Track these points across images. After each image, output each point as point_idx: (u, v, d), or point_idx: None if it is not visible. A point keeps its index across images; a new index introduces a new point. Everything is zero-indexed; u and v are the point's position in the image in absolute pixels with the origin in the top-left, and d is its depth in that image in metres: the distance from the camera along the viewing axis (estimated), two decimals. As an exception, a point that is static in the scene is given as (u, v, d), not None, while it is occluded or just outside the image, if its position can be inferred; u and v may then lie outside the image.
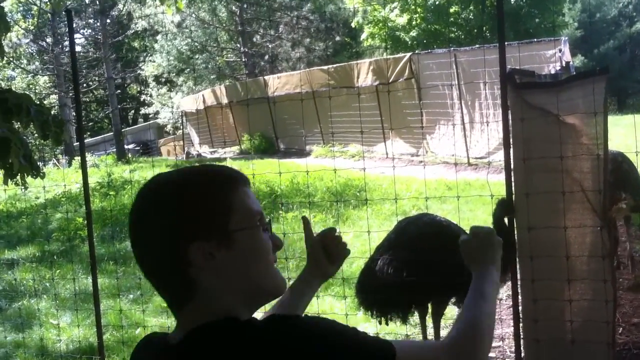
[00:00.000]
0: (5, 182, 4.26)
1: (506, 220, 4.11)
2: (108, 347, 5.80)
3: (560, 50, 13.59)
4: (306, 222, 2.04)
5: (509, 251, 4.62)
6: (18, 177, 4.22)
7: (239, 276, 1.38)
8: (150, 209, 1.39)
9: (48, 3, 28.12)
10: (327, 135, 20.08)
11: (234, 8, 33.08)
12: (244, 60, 33.12)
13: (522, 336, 4.08)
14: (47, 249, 10.07)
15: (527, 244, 3.97)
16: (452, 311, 6.16)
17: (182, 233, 1.34)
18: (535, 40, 16.84)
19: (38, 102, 4.51)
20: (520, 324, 4.08)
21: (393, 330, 5.55)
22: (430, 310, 4.87)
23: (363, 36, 30.87)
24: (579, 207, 3.90)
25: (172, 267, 1.36)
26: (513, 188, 4.04)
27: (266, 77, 24.65)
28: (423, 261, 4.39)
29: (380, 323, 4.84)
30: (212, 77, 34.88)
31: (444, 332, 5.72)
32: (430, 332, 5.06)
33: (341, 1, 32.45)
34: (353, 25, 30.90)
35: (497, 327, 5.82)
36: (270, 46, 34.17)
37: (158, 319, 6.47)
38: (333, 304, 6.78)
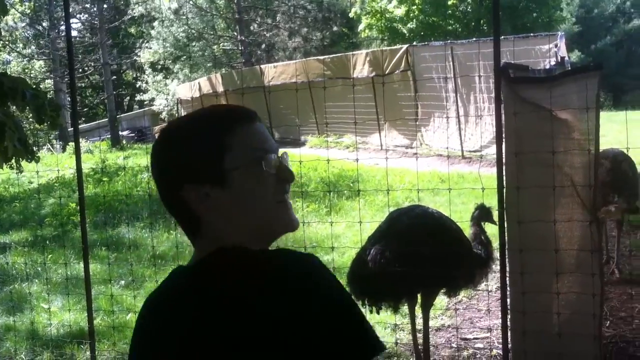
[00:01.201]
0: (0, 166, 4.27)
1: (496, 216, 4.16)
2: (99, 331, 5.83)
3: (556, 46, 13.61)
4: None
5: (485, 263, 4.71)
6: (13, 160, 4.22)
7: (239, 214, 1.40)
8: (153, 151, 1.45)
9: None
10: (322, 126, 20.07)
11: (231, -4, 32.95)
12: (240, 48, 33.02)
13: (509, 328, 4.12)
14: (40, 234, 10.07)
15: (516, 237, 4.01)
16: (441, 302, 6.21)
17: (174, 176, 1.41)
18: (531, 34, 16.84)
19: (34, 87, 4.51)
20: (508, 316, 4.12)
21: (383, 320, 5.60)
22: (419, 300, 4.91)
23: (360, 27, 30.81)
24: (569, 201, 3.94)
25: (175, 205, 1.43)
26: (504, 181, 4.07)
27: (262, 66, 24.60)
28: (414, 252, 4.43)
29: (371, 312, 4.88)
30: (208, 64, 34.76)
31: (432, 323, 5.77)
32: (420, 322, 5.09)
33: (339, -9, 32.39)
34: (351, 15, 30.86)
35: (485, 318, 5.88)
36: (267, 35, 34.08)
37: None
38: (324, 294, 6.80)
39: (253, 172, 1.39)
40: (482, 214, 4.85)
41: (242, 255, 1.40)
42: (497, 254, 5.12)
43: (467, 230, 4.90)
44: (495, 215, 4.37)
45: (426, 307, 4.88)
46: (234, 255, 1.40)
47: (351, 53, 19.75)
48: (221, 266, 1.39)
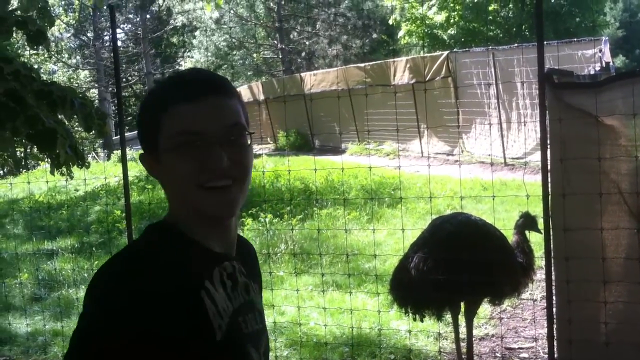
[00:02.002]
0: (52, 172, 4.38)
1: (541, 224, 4.12)
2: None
3: (600, 50, 13.38)
4: None
5: (526, 272, 4.67)
6: (64, 167, 4.33)
7: (170, 191, 1.46)
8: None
9: (90, -1, 28.60)
10: (362, 133, 20.04)
11: (272, 4, 33.22)
12: (280, 57, 33.25)
13: (555, 337, 4.07)
14: (86, 240, 10.28)
15: (562, 245, 3.96)
16: (485, 311, 6.16)
17: (141, 142, 1.48)
18: (575, 39, 16.59)
19: (81, 96, 4.62)
20: (555, 325, 4.07)
21: (426, 328, 5.57)
22: (462, 309, 4.88)
23: (400, 34, 30.71)
24: (615, 208, 3.88)
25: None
26: (549, 188, 4.02)
27: (302, 74, 24.70)
28: (457, 259, 4.41)
29: (414, 320, 4.86)
30: (249, 73, 35.09)
31: (476, 332, 5.72)
32: (463, 330, 5.06)
33: (379, -2, 32.35)
34: (390, 22, 30.78)
35: (530, 327, 5.80)
36: (307, 43, 34.24)
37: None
38: (365, 301, 6.81)
39: (175, 155, 1.38)
40: (526, 222, 4.81)
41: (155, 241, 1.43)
42: (539, 263, 5.06)
43: (511, 238, 4.85)
44: (541, 223, 4.33)
45: (469, 316, 4.85)
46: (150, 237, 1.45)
47: (391, 60, 19.69)
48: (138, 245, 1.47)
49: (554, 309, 4.07)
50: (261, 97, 25.79)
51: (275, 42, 34.16)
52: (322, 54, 34.11)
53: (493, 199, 4.92)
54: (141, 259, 1.36)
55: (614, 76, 4.52)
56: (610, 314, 3.88)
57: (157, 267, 1.33)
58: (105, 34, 34.89)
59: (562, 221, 3.93)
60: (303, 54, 34.60)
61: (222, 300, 1.39)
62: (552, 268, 4.05)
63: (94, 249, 9.60)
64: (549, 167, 4.04)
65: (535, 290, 6.41)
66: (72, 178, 4.65)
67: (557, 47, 13.09)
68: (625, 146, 3.90)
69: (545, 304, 4.49)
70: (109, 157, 23.84)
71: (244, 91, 27.58)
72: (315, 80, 22.34)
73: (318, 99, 20.33)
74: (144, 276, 1.30)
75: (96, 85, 33.81)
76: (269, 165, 15.17)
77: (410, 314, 4.80)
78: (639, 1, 45.55)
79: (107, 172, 16.08)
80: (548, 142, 4.05)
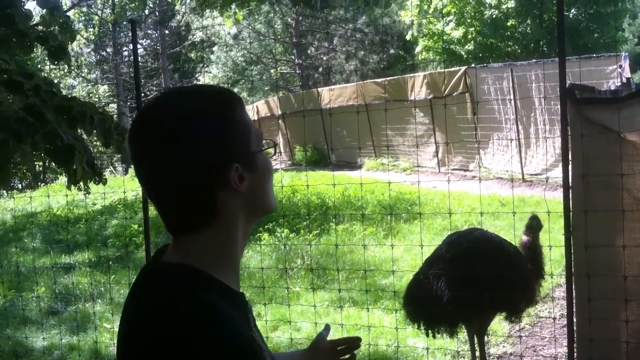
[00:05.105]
0: (69, 188, 4.40)
1: (560, 242, 4.06)
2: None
3: (620, 66, 13.30)
4: (327, 328, 2.09)
5: (537, 275, 4.64)
6: (81, 182, 4.34)
7: (256, 198, 1.38)
8: (177, 127, 1.30)
9: (111, 14, 28.86)
10: (379, 148, 20.00)
11: (289, 20, 33.40)
12: (298, 72, 33.38)
13: (576, 356, 4.00)
14: (103, 254, 10.31)
15: (584, 262, 3.90)
16: (503, 329, 6.08)
17: (221, 154, 1.31)
18: (594, 55, 16.50)
19: (101, 111, 4.65)
20: (575, 344, 4.00)
21: (443, 346, 5.50)
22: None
23: (418, 49, 30.74)
24: (637, 225, 3.82)
25: (191, 193, 1.31)
26: (571, 205, 3.97)
27: (320, 89, 24.76)
28: (472, 276, 4.36)
29: (427, 336, 4.81)
30: (266, 88, 35.24)
31: (494, 350, 5.64)
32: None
33: (396, 14, 32.43)
34: (408, 38, 30.83)
35: (550, 346, 5.72)
36: (324, 58, 34.37)
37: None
38: (382, 318, 6.75)
39: (266, 155, 1.39)
40: (533, 224, 4.86)
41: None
42: (557, 280, 5.00)
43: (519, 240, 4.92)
44: (561, 239, 4.27)
45: (480, 333, 4.80)
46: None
47: (408, 75, 19.69)
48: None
49: (575, 328, 4.00)
50: (278, 112, 25.87)
51: (293, 57, 34.32)
52: (340, 69, 34.20)
53: (513, 215, 4.87)
54: (210, 307, 1.23)
55: (635, 92, 4.46)
56: (631, 332, 3.81)
57: (227, 315, 1.24)
58: (124, 49, 35.26)
59: (583, 238, 3.87)
60: (320, 69, 34.72)
61: (260, 341, 1.37)
62: (573, 286, 3.98)
63: (111, 263, 9.62)
64: (570, 183, 3.99)
65: (555, 308, 6.33)
66: (89, 193, 4.67)
67: (579, 62, 13.02)
68: (647, 162, 3.85)
69: (564, 322, 4.42)
70: (126, 172, 23.99)
71: (261, 106, 27.70)
72: (333, 95, 22.37)
73: (335, 114, 20.36)
74: (230, 322, 1.23)
75: (115, 100, 34.09)
76: (285, 180, 15.17)
77: (423, 330, 4.75)
78: (658, 17, 45.31)
79: (125, 186, 16.14)
80: (570, 157, 4.00)
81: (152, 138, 1.31)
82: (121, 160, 28.33)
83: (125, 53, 37.05)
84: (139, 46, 39.65)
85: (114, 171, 27.19)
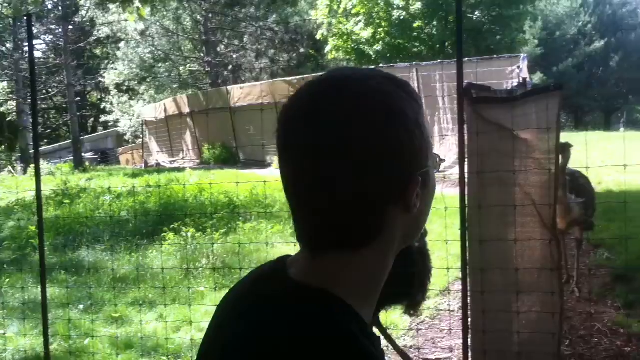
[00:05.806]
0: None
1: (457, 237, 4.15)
2: (55, 357, 5.67)
3: (519, 67, 13.83)
4: None
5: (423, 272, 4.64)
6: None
7: (420, 219, 1.12)
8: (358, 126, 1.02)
9: (8, 7, 27.64)
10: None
11: (198, 17, 32.94)
12: (207, 69, 32.97)
13: (470, 347, 4.10)
14: (-2, 257, 9.84)
15: (478, 256, 4.00)
16: (404, 322, 6.19)
17: (410, 164, 1.05)
18: (495, 56, 17.10)
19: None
20: (469, 336, 4.10)
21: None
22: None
23: (327, 49, 30.98)
24: (529, 220, 3.95)
25: (373, 203, 1.04)
26: (467, 201, 4.07)
27: (229, 87, 24.56)
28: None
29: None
30: (174, 86, 34.65)
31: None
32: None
33: (306, 13, 32.60)
34: (318, 37, 31.02)
35: (446, 338, 5.86)
36: (234, 56, 34.09)
37: (108, 329, 6.35)
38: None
39: (432, 172, 1.13)
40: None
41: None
42: (457, 275, 5.11)
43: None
44: (457, 234, 4.37)
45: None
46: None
47: (318, 74, 19.80)
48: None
49: (469, 320, 4.11)
50: (186, 110, 25.48)
51: (202, 55, 33.87)
52: (249, 67, 34.05)
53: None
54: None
55: (529, 91, 4.62)
56: (523, 323, 3.94)
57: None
58: (24, 44, 33.73)
59: (478, 233, 3.97)
60: (230, 67, 34.43)
61: None
62: (468, 279, 4.09)
63: (5, 266, 9.18)
64: (466, 179, 4.09)
65: (453, 301, 6.49)
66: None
67: (477, 63, 13.43)
68: (539, 159, 3.99)
69: (461, 315, 4.53)
70: (25, 171, 23.01)
71: (169, 104, 27.20)
72: (242, 94, 22.23)
73: (244, 112, 20.24)
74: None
75: (14, 97, 32.64)
76: (193, 179, 14.93)
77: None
78: (557, 20, 47.48)
79: (22, 187, 15.47)
80: (466, 155, 4.10)
81: (329, 136, 1.03)
82: (20, 160, 27.15)
83: (26, 49, 35.47)
84: (40, 41, 38.28)
85: (12, 171, 26.01)
